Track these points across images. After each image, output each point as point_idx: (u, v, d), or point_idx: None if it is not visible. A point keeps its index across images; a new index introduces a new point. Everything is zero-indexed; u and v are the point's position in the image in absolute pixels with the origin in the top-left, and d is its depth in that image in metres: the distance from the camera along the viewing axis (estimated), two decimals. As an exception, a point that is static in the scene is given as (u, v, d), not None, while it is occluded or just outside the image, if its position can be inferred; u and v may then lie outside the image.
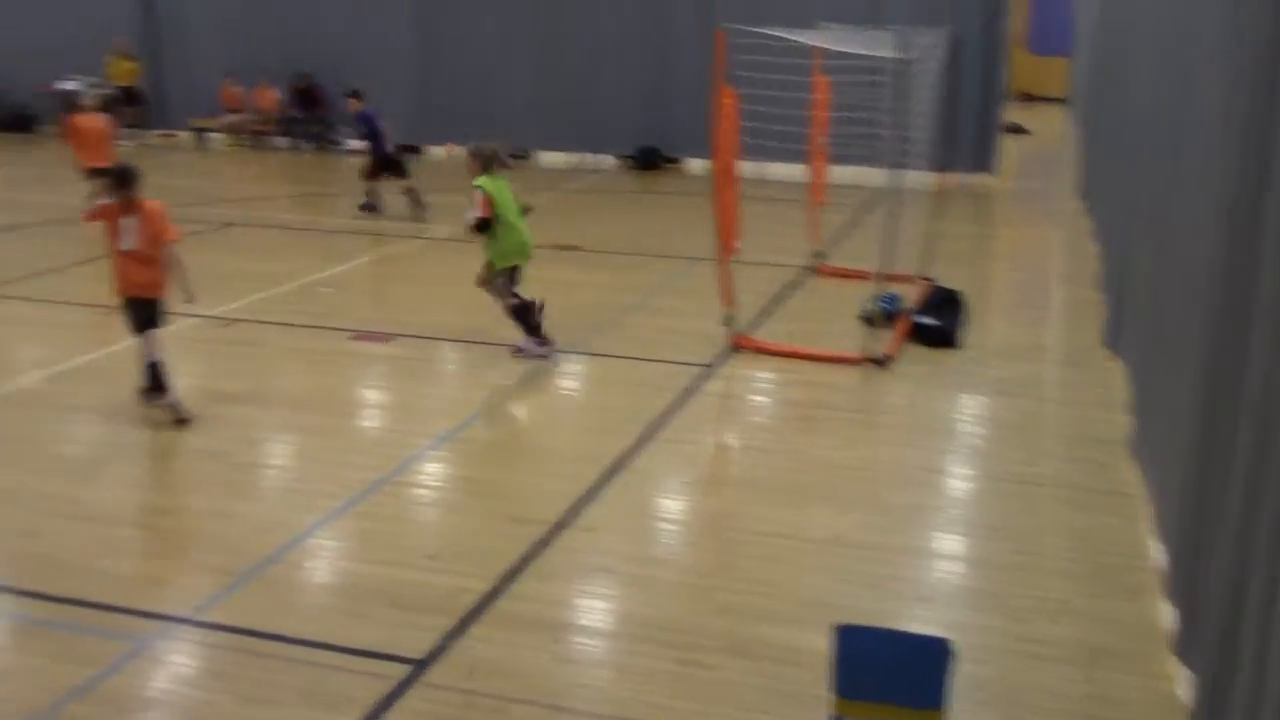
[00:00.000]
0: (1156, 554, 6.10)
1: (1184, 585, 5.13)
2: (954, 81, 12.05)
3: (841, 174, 14.57)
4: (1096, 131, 14.67)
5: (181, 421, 8.16)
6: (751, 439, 8.47)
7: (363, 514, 6.88)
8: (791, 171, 15.72)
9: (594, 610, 5.94)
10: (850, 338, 9.84)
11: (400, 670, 5.18)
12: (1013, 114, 24.32)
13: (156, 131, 23.46)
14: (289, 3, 22.22)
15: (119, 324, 8.32)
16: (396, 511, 7.02)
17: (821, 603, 5.73)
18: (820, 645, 4.82)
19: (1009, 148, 20.58)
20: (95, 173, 12.72)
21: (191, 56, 23.07)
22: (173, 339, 9.10)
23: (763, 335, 10.21)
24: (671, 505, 7.31)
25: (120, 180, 8.10)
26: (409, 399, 9.24)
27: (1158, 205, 7.06)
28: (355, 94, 16.25)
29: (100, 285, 8.34)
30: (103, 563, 6.26)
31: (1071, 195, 17.81)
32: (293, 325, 10.68)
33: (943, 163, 13.56)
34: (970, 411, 8.91)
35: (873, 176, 11.59)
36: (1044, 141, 25.43)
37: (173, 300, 8.29)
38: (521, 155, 21.45)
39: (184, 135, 23.53)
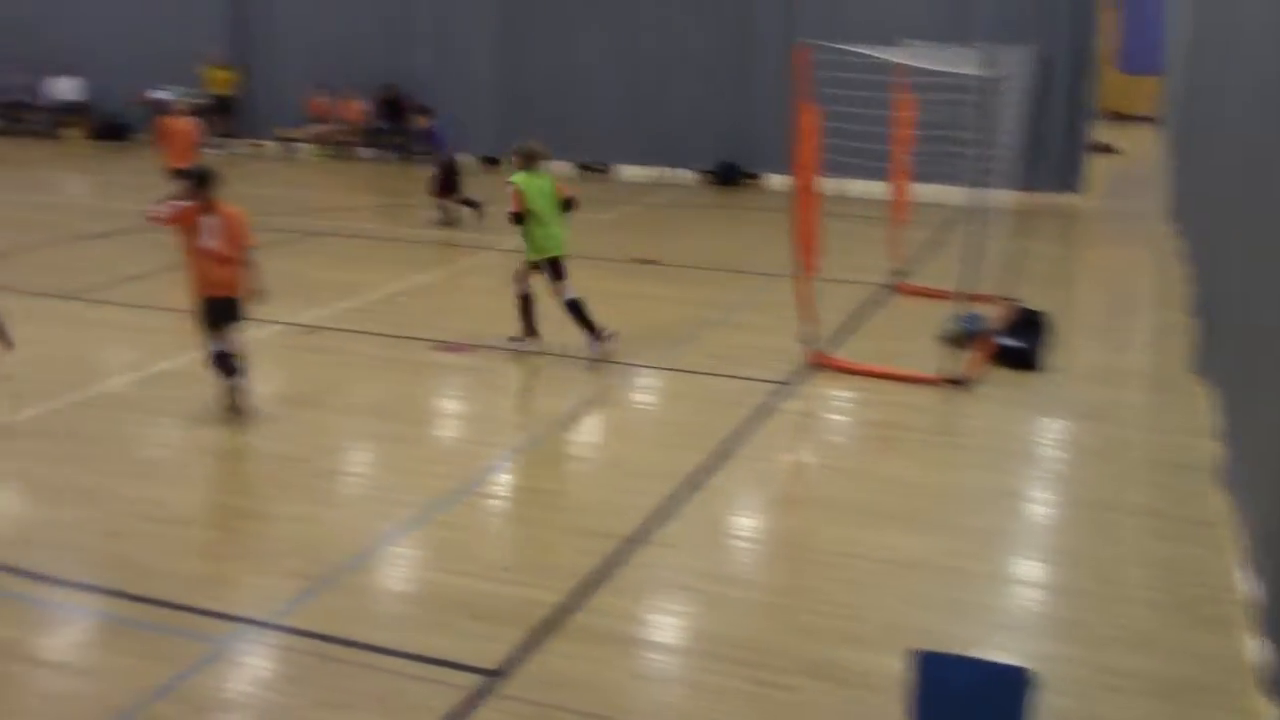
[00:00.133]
0: (1245, 586, 5.94)
1: (1277, 620, 4.98)
2: (1041, 99, 11.86)
3: (923, 192, 14.43)
4: (1189, 152, 14.39)
5: (236, 410, 8.37)
6: (830, 458, 8.41)
7: (439, 523, 6.93)
8: (872, 189, 15.62)
9: (669, 627, 5.92)
10: (930, 358, 9.73)
11: (474, 680, 5.20)
12: (1102, 133, 23.93)
13: (244, 140, 23.93)
14: (377, 16, 22.58)
15: (196, 326, 8.49)
16: (472, 521, 7.07)
17: (899, 626, 5.66)
18: (898, 669, 4.77)
19: (1098, 167, 20.25)
20: (179, 174, 13.06)
21: (279, 68, 23.52)
22: (256, 345, 9.27)
23: (842, 353, 10.14)
24: (749, 523, 7.27)
25: (200, 181, 8.34)
26: (486, 409, 9.30)
27: (1253, 228, 6.89)
28: (424, 110, 17.20)
29: (185, 291, 8.51)
30: (185, 564, 6.38)
31: (1162, 216, 17.47)
32: (374, 334, 10.81)
33: (1028, 182, 13.37)
34: (1052, 435, 8.76)
35: (955, 195, 11.46)
36: (1134, 161, 24.99)
37: (249, 302, 8.47)
38: (600, 169, 21.60)
39: (270, 145, 23.98)
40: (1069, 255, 15.82)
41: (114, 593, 6.03)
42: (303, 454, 7.97)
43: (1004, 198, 12.38)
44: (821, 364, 9.80)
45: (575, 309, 9.95)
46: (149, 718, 4.96)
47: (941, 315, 10.37)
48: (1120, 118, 30.64)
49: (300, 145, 23.71)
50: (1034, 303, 11.03)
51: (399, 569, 6.52)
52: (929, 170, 12.89)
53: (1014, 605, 6.14)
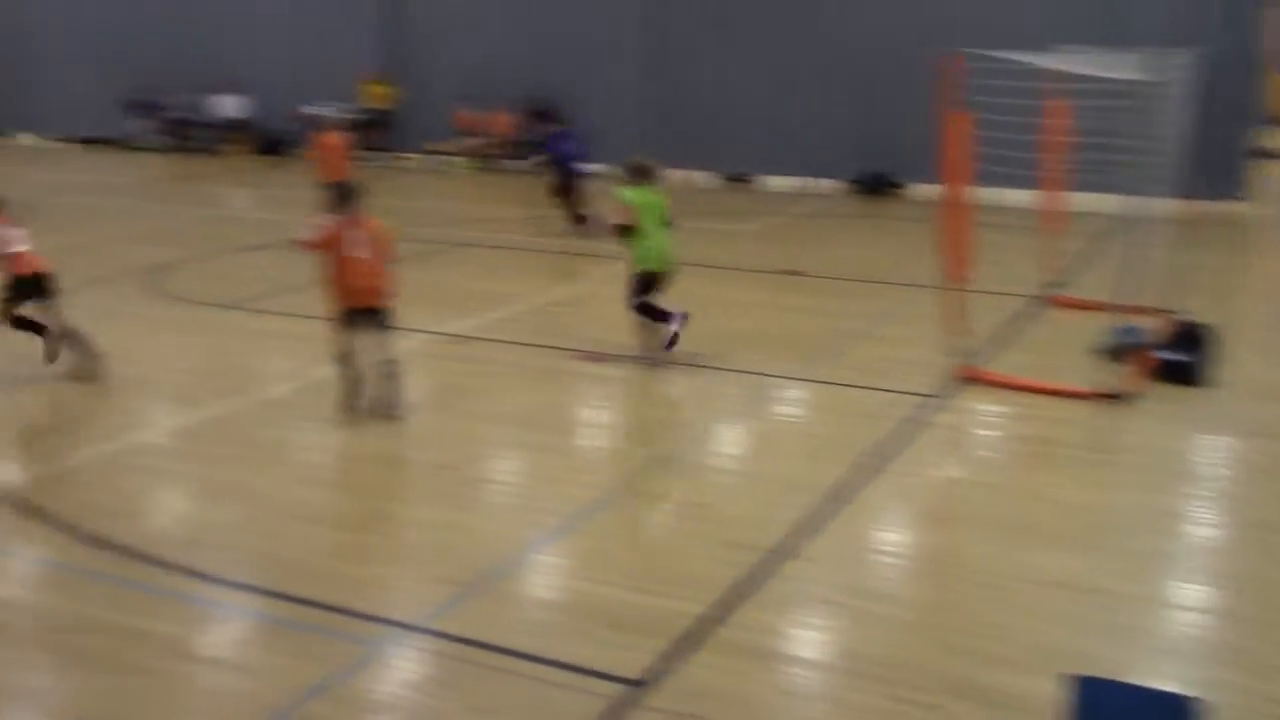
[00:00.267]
0: None
1: None
2: (1204, 105, 11.41)
3: (1078, 201, 14.00)
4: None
5: (389, 416, 8.68)
6: (981, 474, 8.21)
7: (584, 532, 6.99)
8: (1024, 197, 15.23)
9: (812, 642, 5.86)
10: (1085, 372, 9.44)
11: (617, 690, 5.23)
12: (1270, 139, 22.92)
13: (399, 154, 24.55)
14: (524, 31, 22.97)
15: (341, 337, 8.76)
16: (615, 531, 7.12)
17: (1052, 649, 5.49)
18: (1046, 692, 4.64)
19: (1264, 174, 19.41)
20: (327, 188, 13.41)
21: (429, 83, 24.10)
22: (408, 354, 9.50)
23: (993, 366, 9.90)
24: (894, 538, 7.15)
25: (343, 196, 8.60)
26: (629, 419, 9.36)
27: None
28: (545, 116, 18.14)
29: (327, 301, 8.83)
30: (339, 566, 6.56)
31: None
32: (522, 344, 10.97)
33: (1190, 189, 12.88)
34: (1215, 453, 8.42)
35: (1111, 203, 11.10)
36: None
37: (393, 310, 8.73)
38: (745, 179, 21.56)
39: (419, 158, 24.55)
40: (1234, 265, 15.18)
41: (271, 593, 6.23)
42: (452, 461, 8.14)
43: (1164, 206, 11.94)
44: (971, 377, 9.59)
45: (646, 310, 10.13)
46: (303, 716, 5.11)
47: (1097, 328, 10.06)
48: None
49: (449, 158, 24.24)
50: (1197, 315, 10.60)
51: (544, 577, 6.59)
52: (1084, 179, 12.52)
53: (1173, 630, 5.91)
